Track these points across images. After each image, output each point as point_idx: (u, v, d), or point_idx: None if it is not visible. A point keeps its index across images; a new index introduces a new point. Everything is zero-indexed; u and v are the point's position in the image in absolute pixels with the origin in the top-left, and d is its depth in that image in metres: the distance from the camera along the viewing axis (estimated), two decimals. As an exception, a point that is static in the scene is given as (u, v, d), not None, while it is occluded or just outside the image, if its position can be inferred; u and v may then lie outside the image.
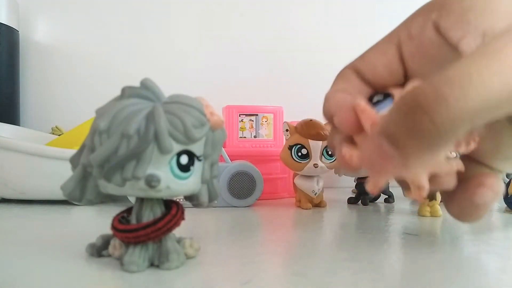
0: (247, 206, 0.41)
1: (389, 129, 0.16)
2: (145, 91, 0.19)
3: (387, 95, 0.20)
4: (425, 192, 0.18)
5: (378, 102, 0.21)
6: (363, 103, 0.18)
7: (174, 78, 0.67)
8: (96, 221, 0.34)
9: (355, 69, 0.22)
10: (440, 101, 0.14)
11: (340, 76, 0.23)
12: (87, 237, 0.22)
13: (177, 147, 0.18)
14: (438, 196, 0.37)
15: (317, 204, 0.41)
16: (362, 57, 0.22)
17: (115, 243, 0.20)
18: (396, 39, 0.21)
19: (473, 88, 0.14)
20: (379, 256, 0.22)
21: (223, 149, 0.44)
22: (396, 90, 0.20)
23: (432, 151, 0.15)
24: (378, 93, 0.21)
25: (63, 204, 0.40)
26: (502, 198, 0.42)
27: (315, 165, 0.38)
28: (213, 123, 0.20)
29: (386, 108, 0.19)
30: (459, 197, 0.21)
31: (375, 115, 0.18)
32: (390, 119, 0.16)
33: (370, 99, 0.21)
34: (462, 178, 0.21)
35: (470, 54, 0.15)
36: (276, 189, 0.49)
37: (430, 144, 0.15)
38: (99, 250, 0.21)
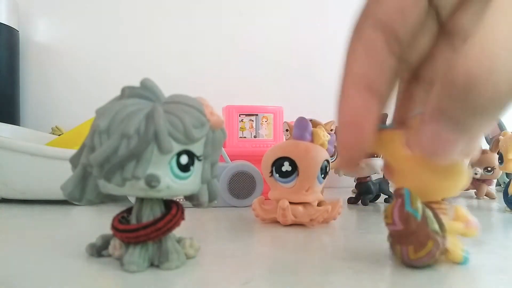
0: (247, 206, 0.40)
1: (448, 111, 0.15)
2: (145, 91, 0.19)
3: None
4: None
5: None
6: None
7: (174, 78, 0.67)
8: (96, 221, 0.34)
9: (375, 21, 0.18)
10: (493, 75, 0.13)
11: (358, 42, 0.18)
12: (87, 237, 0.22)
13: (177, 147, 0.18)
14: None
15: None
16: (377, 0, 0.18)
17: (115, 243, 0.20)
18: None
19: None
20: (379, 256, 0.22)
21: (223, 149, 0.44)
22: None
23: (491, 123, 0.15)
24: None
25: (63, 204, 0.40)
26: (502, 198, 0.42)
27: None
28: (213, 123, 0.20)
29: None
30: None
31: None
32: (444, 103, 0.15)
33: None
34: None
35: (495, 9, 0.14)
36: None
37: (492, 117, 0.15)
38: (99, 250, 0.21)
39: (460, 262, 0.20)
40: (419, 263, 0.19)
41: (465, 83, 0.14)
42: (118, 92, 0.19)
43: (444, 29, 0.19)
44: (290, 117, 0.47)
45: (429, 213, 0.19)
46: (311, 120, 0.35)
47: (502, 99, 0.14)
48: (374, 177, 0.45)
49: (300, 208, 0.31)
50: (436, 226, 0.19)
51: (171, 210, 0.20)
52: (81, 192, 0.20)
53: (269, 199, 0.33)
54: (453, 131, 0.15)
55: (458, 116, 0.15)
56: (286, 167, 0.31)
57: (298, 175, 0.31)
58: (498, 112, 0.15)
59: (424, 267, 0.20)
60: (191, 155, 0.19)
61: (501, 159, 0.43)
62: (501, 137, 0.43)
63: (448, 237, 0.20)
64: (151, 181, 0.18)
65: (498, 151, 0.43)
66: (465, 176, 0.19)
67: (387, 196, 0.46)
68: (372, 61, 0.18)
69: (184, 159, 0.19)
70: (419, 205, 0.19)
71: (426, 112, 0.16)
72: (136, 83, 0.19)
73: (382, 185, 0.45)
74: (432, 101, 0.15)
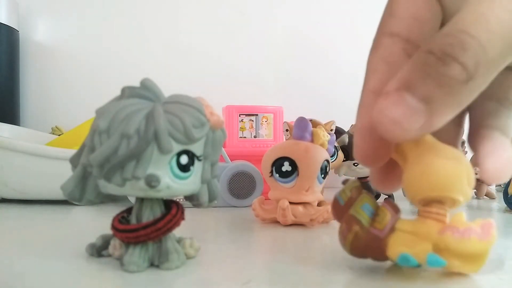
0: (247, 206, 0.40)
1: (416, 82, 0.14)
2: (145, 91, 0.19)
3: None
4: None
5: None
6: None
7: (174, 78, 0.67)
8: (96, 221, 0.34)
9: (391, 34, 0.18)
10: (466, 48, 0.14)
11: (376, 53, 0.18)
12: (87, 237, 0.22)
13: (177, 147, 0.18)
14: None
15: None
16: (391, 14, 0.18)
17: (115, 243, 0.20)
18: None
19: (491, 30, 0.14)
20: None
21: (223, 149, 0.44)
22: None
23: (459, 103, 0.15)
24: None
25: (63, 204, 0.40)
26: (502, 198, 0.42)
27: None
28: (213, 123, 0.20)
29: None
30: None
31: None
32: (415, 73, 0.15)
33: None
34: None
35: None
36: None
37: (459, 94, 0.14)
38: (99, 250, 0.21)
39: (395, 261, 0.18)
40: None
41: (439, 58, 0.14)
42: (118, 92, 0.19)
43: None
44: (290, 117, 0.47)
45: (362, 201, 0.19)
46: (311, 120, 0.35)
47: (471, 78, 0.14)
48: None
49: (300, 208, 0.31)
50: (359, 214, 0.19)
51: (171, 210, 0.20)
52: (81, 192, 0.20)
53: (269, 199, 0.33)
54: (417, 101, 0.14)
55: (425, 88, 0.14)
56: (286, 167, 0.31)
57: (298, 175, 0.31)
58: (465, 92, 0.14)
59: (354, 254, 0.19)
60: (191, 155, 0.19)
61: (501, 159, 0.43)
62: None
63: (399, 234, 0.18)
64: (151, 181, 0.18)
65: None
66: (458, 180, 0.17)
67: (387, 196, 0.46)
68: (390, 69, 0.17)
69: (184, 159, 0.19)
70: (348, 193, 0.20)
71: (392, 84, 0.15)
72: (136, 83, 0.19)
73: (382, 185, 0.45)
74: (401, 74, 0.15)
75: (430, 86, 0.14)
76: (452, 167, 0.17)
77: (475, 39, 0.14)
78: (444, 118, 0.15)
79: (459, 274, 0.19)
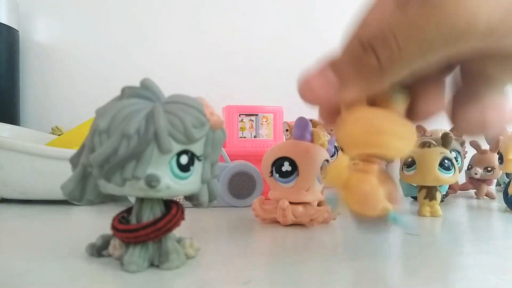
0: (247, 206, 0.41)
1: (340, 61, 0.18)
2: (144, 91, 0.19)
3: None
4: None
5: None
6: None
7: (174, 78, 0.67)
8: (96, 221, 0.34)
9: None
10: (385, 45, 0.16)
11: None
12: (87, 237, 0.22)
13: (177, 147, 0.18)
14: (438, 196, 0.37)
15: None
16: (364, 22, 0.20)
17: (115, 243, 0.20)
18: None
19: (410, 35, 0.16)
20: (379, 256, 0.22)
21: (223, 149, 0.44)
22: None
23: (368, 86, 0.17)
24: None
25: (63, 204, 0.40)
26: (503, 198, 0.42)
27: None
28: (213, 123, 0.20)
29: None
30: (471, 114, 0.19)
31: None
32: (341, 52, 0.18)
33: None
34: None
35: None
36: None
37: (370, 78, 0.17)
38: (99, 250, 0.21)
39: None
40: None
41: (363, 45, 0.17)
42: (118, 92, 0.19)
43: None
44: (290, 117, 0.47)
45: None
46: (311, 120, 0.35)
47: (382, 69, 0.16)
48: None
49: (300, 208, 0.31)
50: None
51: (171, 210, 0.20)
52: (81, 192, 0.20)
53: (269, 199, 0.33)
54: (335, 76, 0.18)
55: (344, 67, 0.18)
56: (286, 167, 0.31)
57: (298, 175, 0.31)
58: (375, 79, 0.17)
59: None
60: (191, 155, 0.19)
61: (501, 159, 0.43)
62: (501, 137, 0.43)
63: None
64: (151, 181, 0.18)
65: (498, 151, 0.43)
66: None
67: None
68: None
69: (184, 159, 0.19)
70: None
71: (325, 60, 0.18)
72: (136, 83, 0.19)
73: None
74: (336, 54, 0.18)
75: (348, 66, 0.17)
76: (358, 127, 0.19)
77: (396, 39, 0.16)
78: (353, 94, 0.18)
79: (460, 274, 0.19)
